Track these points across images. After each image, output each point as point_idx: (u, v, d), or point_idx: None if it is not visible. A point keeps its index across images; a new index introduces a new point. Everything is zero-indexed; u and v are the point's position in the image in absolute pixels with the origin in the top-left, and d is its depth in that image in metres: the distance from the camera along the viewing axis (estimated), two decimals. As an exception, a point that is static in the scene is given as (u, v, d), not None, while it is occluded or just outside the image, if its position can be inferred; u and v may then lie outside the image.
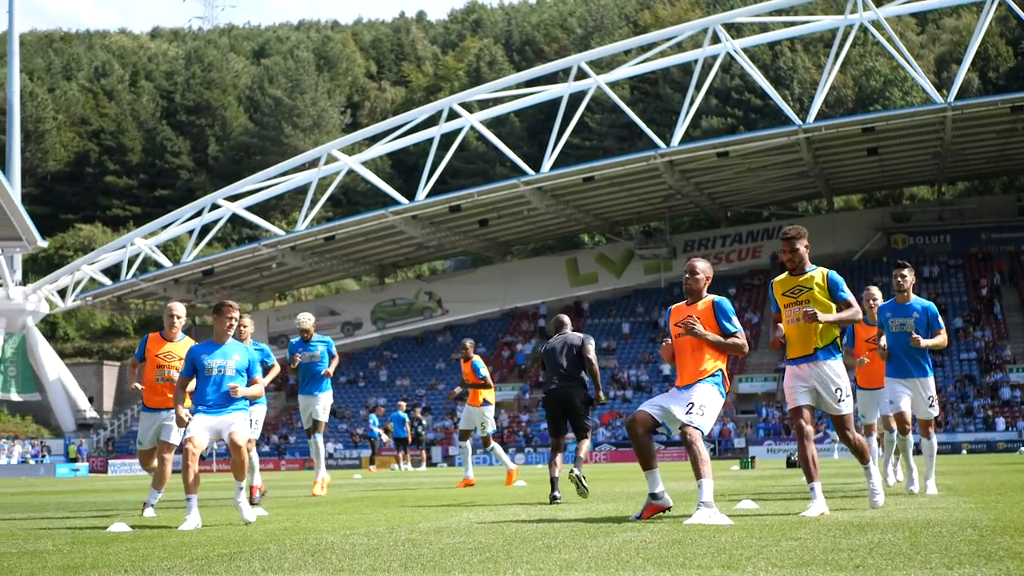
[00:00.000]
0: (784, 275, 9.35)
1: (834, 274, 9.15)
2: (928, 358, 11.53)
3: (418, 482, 22.84)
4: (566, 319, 13.42)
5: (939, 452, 41.87)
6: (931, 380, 11.52)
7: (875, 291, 12.61)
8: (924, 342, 11.10)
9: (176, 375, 10.69)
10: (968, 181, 74.46)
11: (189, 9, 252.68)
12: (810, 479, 8.95)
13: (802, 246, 9.13)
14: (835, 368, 9.06)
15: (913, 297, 11.37)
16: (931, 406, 11.53)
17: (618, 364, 62.10)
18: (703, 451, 8.61)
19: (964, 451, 47.44)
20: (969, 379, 55.91)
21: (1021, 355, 57.13)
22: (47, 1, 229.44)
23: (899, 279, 11.32)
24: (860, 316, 9.09)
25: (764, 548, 6.47)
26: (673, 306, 9.29)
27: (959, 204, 69.97)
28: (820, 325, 8.92)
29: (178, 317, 10.85)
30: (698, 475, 8.53)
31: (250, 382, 10.14)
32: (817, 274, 9.14)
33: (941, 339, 11.26)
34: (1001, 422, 51.61)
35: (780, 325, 9.29)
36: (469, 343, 18.57)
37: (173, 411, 10.36)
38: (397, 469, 38.64)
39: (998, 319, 60.61)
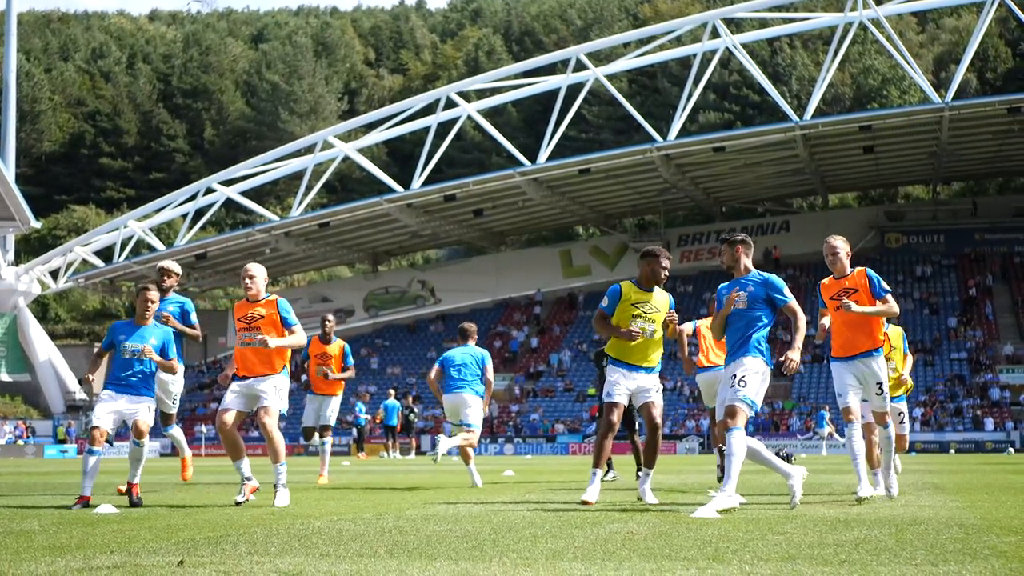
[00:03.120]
0: (630, 285, 9.97)
1: (670, 300, 10.05)
2: (756, 339, 9.22)
3: (407, 469, 22.85)
4: None
5: (926, 451, 41.48)
6: (750, 360, 9.11)
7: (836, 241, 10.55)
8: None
9: (258, 337, 10.22)
10: (963, 181, 74.54)
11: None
12: (596, 465, 9.76)
13: (668, 264, 9.98)
14: (655, 380, 9.97)
15: (753, 271, 9.50)
16: (733, 386, 9.05)
17: (610, 357, 62.18)
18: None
19: (952, 450, 47.54)
20: (959, 379, 56.01)
21: (1012, 356, 57.23)
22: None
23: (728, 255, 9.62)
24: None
25: (750, 542, 6.48)
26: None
27: (953, 204, 70.06)
28: (656, 341, 9.90)
29: (251, 277, 10.39)
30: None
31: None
32: (663, 296, 9.97)
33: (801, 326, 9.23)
34: (990, 422, 51.71)
35: (625, 331, 9.76)
36: (332, 318, 16.46)
37: (262, 379, 10.25)
38: (386, 457, 38.66)
39: (989, 320, 60.71)
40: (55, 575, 5.27)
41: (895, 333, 11.17)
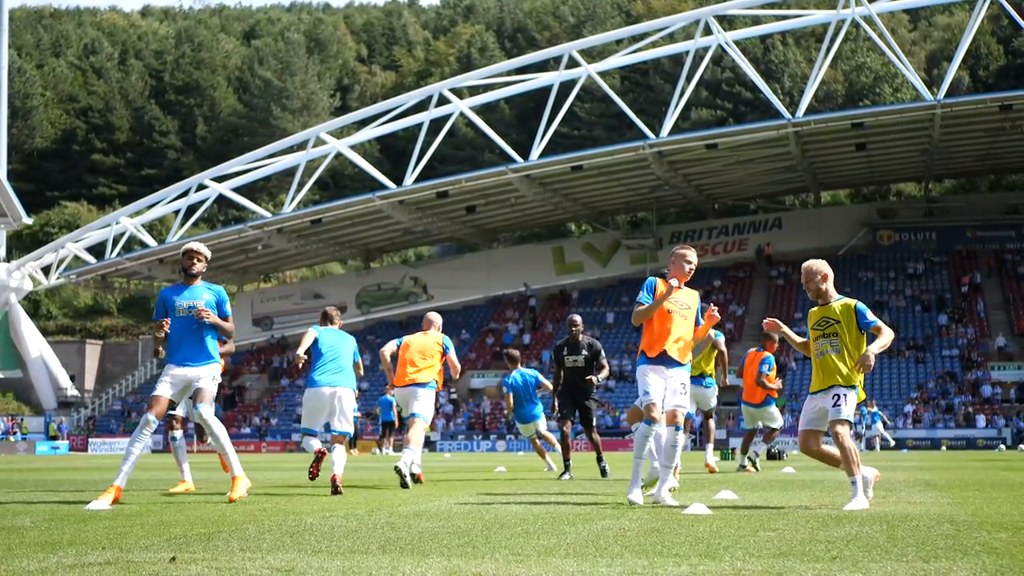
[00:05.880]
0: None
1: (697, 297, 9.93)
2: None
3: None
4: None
5: (917, 448, 41.42)
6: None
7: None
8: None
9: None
10: (955, 179, 74.65)
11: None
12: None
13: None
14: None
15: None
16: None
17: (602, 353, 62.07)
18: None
19: (944, 447, 47.63)
20: (951, 376, 56.08)
21: (1004, 352, 57.32)
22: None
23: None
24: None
25: (742, 538, 6.49)
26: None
27: (945, 201, 70.15)
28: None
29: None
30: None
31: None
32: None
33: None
34: (981, 419, 51.80)
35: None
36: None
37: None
38: (378, 453, 38.69)
39: (981, 317, 60.79)
40: (47, 571, 5.27)
41: (843, 305, 9.15)
